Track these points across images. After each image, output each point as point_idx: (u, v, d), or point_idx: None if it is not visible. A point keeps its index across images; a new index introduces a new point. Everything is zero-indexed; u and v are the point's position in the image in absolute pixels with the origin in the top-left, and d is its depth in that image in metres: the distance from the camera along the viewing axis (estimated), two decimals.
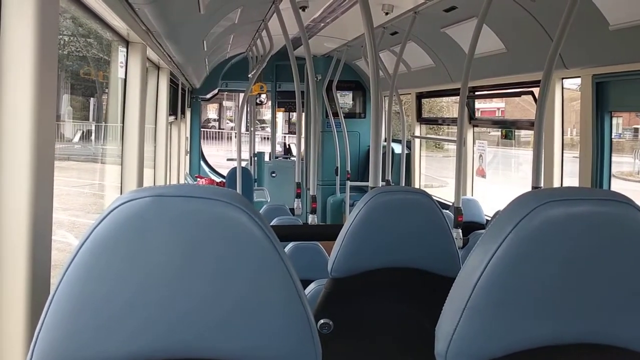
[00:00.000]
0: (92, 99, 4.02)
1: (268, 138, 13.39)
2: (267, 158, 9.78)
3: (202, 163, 10.34)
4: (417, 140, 6.87)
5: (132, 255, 0.82)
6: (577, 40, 3.28)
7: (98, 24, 2.90)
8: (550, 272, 0.90)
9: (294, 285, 0.88)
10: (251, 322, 0.86)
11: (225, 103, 24.82)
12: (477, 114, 5.94)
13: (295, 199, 4.92)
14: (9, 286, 1.34)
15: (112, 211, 0.83)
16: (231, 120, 24.42)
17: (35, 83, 1.36)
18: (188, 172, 9.74)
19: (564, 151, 3.98)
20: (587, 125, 3.48)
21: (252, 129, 9.71)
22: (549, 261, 0.90)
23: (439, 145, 9.99)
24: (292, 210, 5.14)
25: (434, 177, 8.89)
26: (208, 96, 10.20)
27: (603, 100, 3.43)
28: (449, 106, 8.89)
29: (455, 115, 5.29)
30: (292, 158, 10.20)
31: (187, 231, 0.83)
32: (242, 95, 8.99)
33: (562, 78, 3.88)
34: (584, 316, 0.91)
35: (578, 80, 3.73)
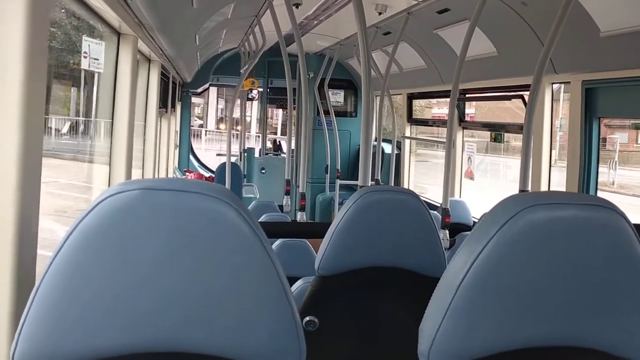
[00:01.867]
0: (72, 89, 3.96)
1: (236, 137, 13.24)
2: (257, 154, 9.77)
3: (191, 157, 10.31)
4: (407, 141, 6.89)
5: (119, 248, 0.82)
6: (568, 45, 3.30)
7: (89, 15, 2.89)
8: (534, 275, 0.91)
9: (281, 282, 0.88)
10: (236, 317, 0.86)
11: (194, 99, 23.93)
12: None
13: (285, 196, 4.92)
14: None
15: (99, 203, 0.83)
16: (199, 118, 23.20)
17: (24, 76, 1.35)
18: (177, 166, 9.70)
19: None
20: (575, 130, 3.51)
21: (242, 124, 9.69)
22: (533, 264, 0.91)
23: (422, 157, 9.90)
24: (280, 207, 5.14)
25: (420, 185, 8.87)
26: (199, 90, 10.17)
27: (592, 106, 3.46)
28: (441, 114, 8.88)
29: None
30: (282, 155, 10.19)
31: (176, 225, 0.83)
32: (210, 91, 9.08)
33: (552, 83, 3.91)
34: (567, 319, 0.92)
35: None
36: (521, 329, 0.92)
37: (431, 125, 7.10)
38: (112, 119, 3.25)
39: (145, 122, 5.14)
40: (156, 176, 5.89)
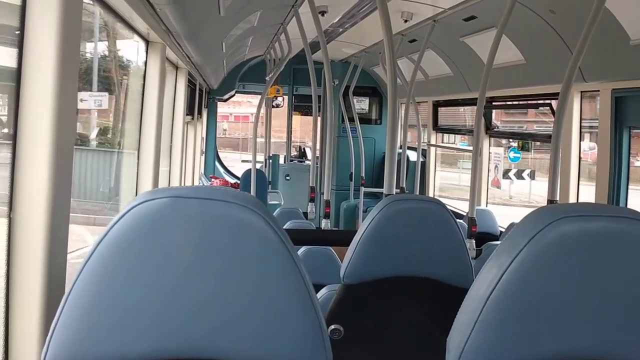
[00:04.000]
0: None
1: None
2: (282, 161, 9.80)
3: (216, 163, 10.39)
4: (433, 149, 6.85)
5: (148, 255, 0.83)
6: (597, 53, 3.25)
7: (119, 23, 2.93)
8: (564, 288, 0.90)
9: (307, 290, 0.88)
10: (263, 324, 0.86)
11: None
12: None
13: (309, 203, 4.92)
14: (26, 283, 1.36)
15: (129, 211, 0.84)
16: None
17: (57, 82, 1.37)
18: (203, 172, 9.78)
19: None
20: (605, 140, 3.45)
21: (267, 131, 9.73)
22: (562, 277, 0.89)
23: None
24: (305, 214, 5.14)
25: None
26: (225, 97, 10.25)
27: (622, 116, 3.40)
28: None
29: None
30: (307, 162, 10.21)
31: (203, 233, 0.83)
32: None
33: (581, 91, 3.86)
34: (596, 333, 0.91)
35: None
36: (550, 342, 0.91)
37: (457, 134, 7.05)
38: (140, 125, 3.29)
39: (172, 127, 5.19)
40: (183, 182, 5.95)
